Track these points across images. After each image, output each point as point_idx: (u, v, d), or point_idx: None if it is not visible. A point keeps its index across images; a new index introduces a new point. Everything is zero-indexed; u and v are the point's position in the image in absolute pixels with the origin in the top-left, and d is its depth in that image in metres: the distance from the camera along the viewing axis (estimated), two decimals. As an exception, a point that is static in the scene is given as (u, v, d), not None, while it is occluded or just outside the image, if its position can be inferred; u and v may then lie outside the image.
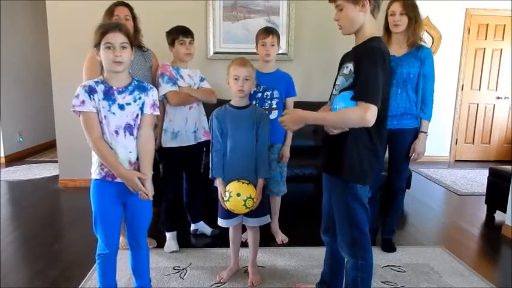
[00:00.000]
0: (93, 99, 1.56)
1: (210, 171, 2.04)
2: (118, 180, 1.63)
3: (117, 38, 1.56)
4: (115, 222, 1.69)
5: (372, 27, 1.53)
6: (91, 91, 1.57)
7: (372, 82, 1.41)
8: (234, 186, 1.95)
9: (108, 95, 1.59)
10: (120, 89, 1.61)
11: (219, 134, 2.02)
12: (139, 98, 1.65)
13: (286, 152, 2.56)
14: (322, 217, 1.84)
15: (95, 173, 1.66)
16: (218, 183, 2.02)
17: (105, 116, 1.58)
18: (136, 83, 1.67)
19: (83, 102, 1.55)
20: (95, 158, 1.65)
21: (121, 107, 1.60)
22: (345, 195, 1.57)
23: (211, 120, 2.07)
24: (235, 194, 1.93)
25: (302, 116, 1.53)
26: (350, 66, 1.50)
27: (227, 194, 1.96)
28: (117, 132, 1.61)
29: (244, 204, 1.93)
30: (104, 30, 1.56)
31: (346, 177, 1.54)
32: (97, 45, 1.58)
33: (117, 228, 1.71)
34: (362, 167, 1.52)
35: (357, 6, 1.47)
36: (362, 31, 1.52)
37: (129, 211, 1.73)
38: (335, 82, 1.63)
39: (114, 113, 1.59)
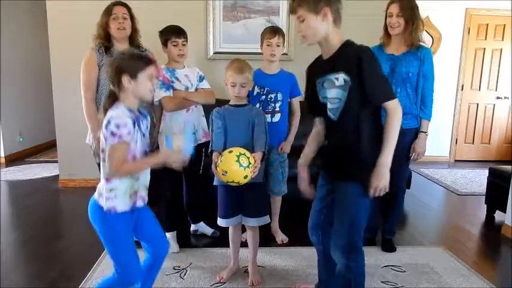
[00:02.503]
0: (136, 130, 1.55)
1: (210, 146, 2.04)
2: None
3: (155, 71, 1.61)
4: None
5: (338, 36, 1.54)
6: (135, 122, 1.54)
7: (385, 81, 1.53)
8: (226, 150, 1.92)
9: (138, 123, 1.57)
10: (141, 119, 1.61)
11: (220, 123, 2.02)
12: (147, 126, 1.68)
13: (287, 147, 2.56)
14: (312, 215, 1.84)
15: (123, 204, 1.56)
16: (214, 156, 1.98)
17: (136, 142, 1.56)
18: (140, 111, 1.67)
19: (129, 133, 1.50)
20: (119, 190, 1.55)
21: (143, 135, 1.62)
22: (357, 196, 1.57)
23: (211, 114, 2.08)
24: (227, 152, 1.88)
25: (384, 168, 1.51)
26: (342, 77, 1.50)
27: (219, 158, 1.90)
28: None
29: (238, 161, 1.82)
30: (149, 62, 1.57)
31: (364, 180, 1.52)
32: (132, 73, 1.53)
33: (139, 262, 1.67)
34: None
35: (318, 16, 1.49)
36: (329, 40, 1.54)
37: (144, 221, 1.68)
38: (325, 96, 1.58)
39: (138, 141, 1.59)
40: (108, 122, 1.49)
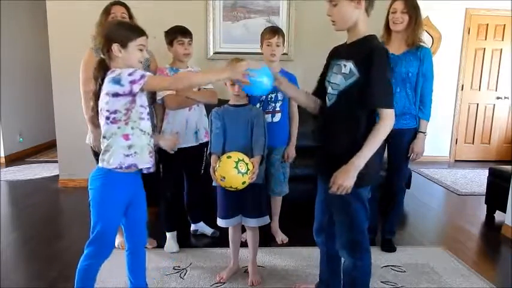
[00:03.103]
0: None
1: (209, 147, 2.05)
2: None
3: (146, 42, 1.64)
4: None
5: (365, 25, 1.52)
6: None
7: (388, 87, 1.47)
8: (224, 154, 1.92)
9: None
10: None
11: (219, 124, 2.03)
12: None
13: (292, 151, 2.56)
14: (316, 217, 1.83)
15: (142, 161, 1.62)
16: (212, 160, 1.97)
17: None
18: None
19: (144, 70, 1.58)
20: (138, 147, 1.59)
21: None
22: (348, 197, 1.54)
23: (211, 115, 2.08)
24: (226, 157, 1.87)
25: (354, 169, 1.43)
26: (350, 66, 1.48)
27: (218, 163, 1.88)
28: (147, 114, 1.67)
29: (236, 167, 1.80)
30: (140, 33, 1.61)
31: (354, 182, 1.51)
32: (123, 42, 1.56)
33: None
34: (368, 170, 1.49)
35: (352, 3, 1.47)
36: (356, 28, 1.51)
37: (136, 208, 1.73)
38: (329, 80, 1.59)
39: None
40: (118, 79, 1.51)
